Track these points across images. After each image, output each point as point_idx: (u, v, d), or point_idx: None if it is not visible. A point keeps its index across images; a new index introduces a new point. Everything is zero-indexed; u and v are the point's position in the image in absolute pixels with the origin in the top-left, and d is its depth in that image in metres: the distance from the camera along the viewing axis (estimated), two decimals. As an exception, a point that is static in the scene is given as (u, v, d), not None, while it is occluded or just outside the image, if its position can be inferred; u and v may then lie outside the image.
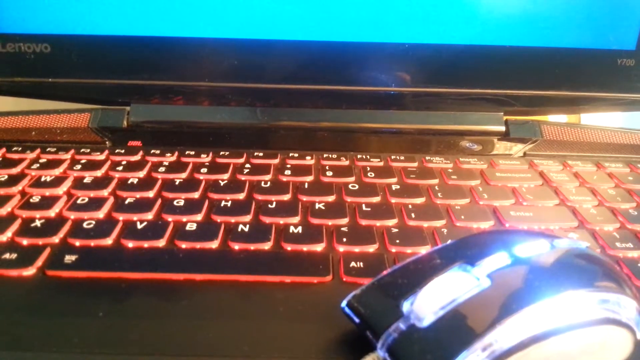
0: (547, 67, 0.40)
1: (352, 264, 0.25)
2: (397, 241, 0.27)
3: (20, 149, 0.36)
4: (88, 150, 0.37)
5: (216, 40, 0.39)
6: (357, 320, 0.20)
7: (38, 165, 0.34)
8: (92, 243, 0.26)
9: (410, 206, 0.31)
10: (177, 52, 0.40)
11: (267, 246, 0.27)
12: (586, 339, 0.18)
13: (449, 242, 0.22)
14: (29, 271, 0.24)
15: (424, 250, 0.27)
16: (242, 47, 0.39)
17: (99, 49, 0.39)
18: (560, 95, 0.41)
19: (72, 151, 0.36)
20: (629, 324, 0.18)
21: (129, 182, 0.32)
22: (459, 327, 0.18)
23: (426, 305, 0.18)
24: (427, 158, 0.37)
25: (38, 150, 0.36)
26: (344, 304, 0.21)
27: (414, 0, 0.38)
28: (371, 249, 0.27)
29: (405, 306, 0.19)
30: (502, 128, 0.41)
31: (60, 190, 0.31)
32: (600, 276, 0.19)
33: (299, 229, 0.28)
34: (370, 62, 0.40)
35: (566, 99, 0.41)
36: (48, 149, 0.36)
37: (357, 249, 0.27)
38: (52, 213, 0.29)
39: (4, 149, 0.36)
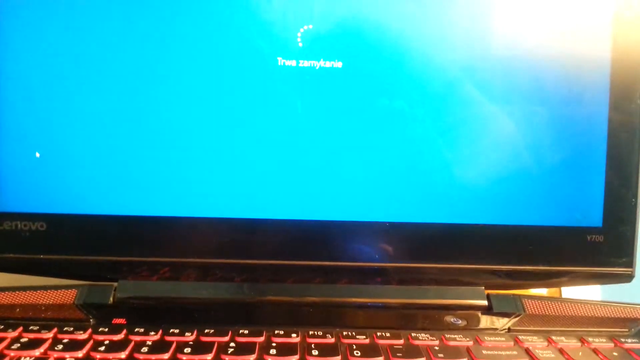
0: (522, 243, 0.42)
1: None
2: None
3: (2, 327, 0.36)
4: (72, 328, 0.36)
5: (204, 219, 0.41)
6: None
7: (19, 345, 0.34)
8: None
9: (397, 388, 0.30)
10: (167, 230, 0.41)
11: None
12: None
13: None
14: None
15: None
16: (229, 226, 0.41)
17: (91, 227, 0.41)
18: (537, 270, 0.42)
19: (55, 329, 0.36)
20: None
21: (111, 363, 0.32)
22: None
23: None
24: (413, 335, 0.37)
25: (20, 329, 0.36)
26: None
27: (392, 184, 0.41)
28: None
29: None
30: (485, 302, 0.42)
31: (39, 373, 0.31)
32: None
33: (284, 415, 0.27)
34: (354, 240, 0.42)
35: (543, 273, 0.42)
36: (30, 327, 0.36)
37: None
38: (28, 399, 0.28)
39: (-15, 328, 0.36)
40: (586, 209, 0.42)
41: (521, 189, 0.42)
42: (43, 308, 0.39)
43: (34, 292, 0.40)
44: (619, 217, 0.42)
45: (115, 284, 0.41)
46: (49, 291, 0.41)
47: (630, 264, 0.41)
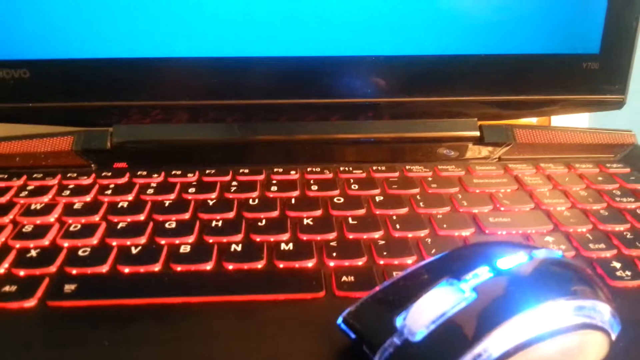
0: (517, 73, 0.42)
1: (343, 278, 0.26)
2: (384, 253, 0.28)
3: (5, 176, 0.37)
4: (75, 174, 0.37)
5: (194, 59, 0.40)
6: (352, 336, 0.21)
7: (26, 192, 0.35)
8: (89, 271, 0.27)
9: (394, 217, 0.32)
10: (156, 72, 0.40)
11: (260, 265, 0.28)
12: (566, 344, 0.19)
13: (434, 257, 0.23)
14: (30, 303, 0.25)
15: (410, 261, 0.28)
16: (220, 65, 0.40)
17: (78, 72, 0.40)
18: (530, 99, 0.42)
19: (59, 176, 0.37)
20: (604, 327, 0.20)
21: (119, 205, 0.33)
22: (449, 340, 0.19)
23: (418, 320, 0.20)
24: (407, 167, 0.38)
25: (24, 177, 0.37)
26: (339, 320, 0.22)
27: (386, 15, 0.39)
28: (360, 262, 0.28)
29: (399, 321, 0.20)
30: (477, 133, 0.43)
31: (52, 217, 0.32)
32: (576, 283, 0.21)
33: (290, 245, 0.29)
34: (346, 75, 0.41)
35: (536, 102, 0.43)
36: (34, 175, 0.37)
37: (346, 263, 0.28)
38: (46, 242, 0.29)
39: (-11, 177, 0.37)
40: (584, 35, 0.41)
41: (517, 16, 0.40)
42: (43, 156, 0.40)
43: (31, 141, 0.40)
44: (617, 43, 0.41)
45: (111, 129, 0.41)
46: (45, 139, 0.41)
47: (623, 90, 0.41)
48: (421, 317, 0.20)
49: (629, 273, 0.27)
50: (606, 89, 0.42)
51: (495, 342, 0.18)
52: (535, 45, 0.41)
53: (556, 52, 0.41)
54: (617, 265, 0.28)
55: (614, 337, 0.21)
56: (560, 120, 0.52)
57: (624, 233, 0.31)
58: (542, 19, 0.40)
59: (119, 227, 0.31)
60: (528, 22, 0.40)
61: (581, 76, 0.42)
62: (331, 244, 0.29)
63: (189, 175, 0.37)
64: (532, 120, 0.52)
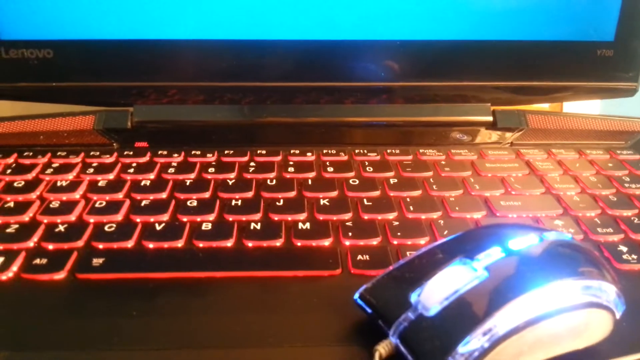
0: (531, 59, 0.42)
1: (359, 257, 0.28)
2: (399, 234, 0.29)
3: (31, 153, 0.38)
4: (97, 153, 0.38)
5: (212, 41, 0.41)
6: (369, 310, 0.22)
7: (52, 170, 0.36)
8: (115, 245, 0.28)
9: (408, 199, 0.33)
10: (175, 53, 0.41)
11: (278, 243, 0.29)
12: (573, 321, 0.20)
13: (448, 237, 0.24)
14: (60, 275, 0.26)
15: (423, 241, 0.29)
16: (237, 48, 0.41)
17: (100, 53, 0.41)
18: (544, 85, 0.43)
19: (82, 154, 0.38)
20: (609, 306, 0.21)
21: (142, 184, 0.34)
22: (462, 315, 0.20)
23: (432, 297, 0.21)
24: (421, 151, 0.39)
25: (49, 155, 0.38)
26: (356, 296, 0.23)
27: (401, 0, 0.40)
28: (375, 242, 0.29)
29: (413, 297, 0.21)
30: (490, 118, 0.44)
31: (77, 194, 0.33)
32: (583, 264, 0.22)
33: (307, 225, 0.30)
34: (361, 59, 0.42)
35: (549, 89, 0.43)
36: (58, 153, 0.38)
37: (362, 243, 0.29)
38: (72, 217, 0.31)
39: (15, 155, 0.38)
40: (599, 23, 0.42)
41: (533, 2, 0.40)
42: (65, 135, 0.41)
43: (54, 119, 0.42)
44: (632, 31, 0.41)
45: (131, 108, 0.42)
46: (67, 117, 0.42)
47: (636, 78, 0.42)
48: (435, 293, 0.21)
49: (634, 257, 0.28)
50: (619, 77, 0.42)
51: (505, 318, 0.19)
52: (550, 32, 0.42)
53: (571, 39, 0.42)
54: (624, 249, 0.29)
55: (618, 316, 0.22)
56: (572, 106, 0.52)
57: (632, 218, 0.32)
58: (558, 6, 0.41)
59: (142, 204, 0.32)
60: (544, 9, 0.41)
61: (595, 63, 0.42)
62: (347, 224, 0.30)
63: (208, 155, 0.38)
64: (545, 106, 0.52)
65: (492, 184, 0.35)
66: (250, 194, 0.33)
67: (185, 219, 0.31)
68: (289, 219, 0.31)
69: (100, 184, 0.34)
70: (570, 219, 0.31)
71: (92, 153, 0.38)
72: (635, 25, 0.41)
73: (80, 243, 0.28)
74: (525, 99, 0.45)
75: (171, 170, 0.36)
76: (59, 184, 0.34)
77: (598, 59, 0.42)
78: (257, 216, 0.31)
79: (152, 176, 0.35)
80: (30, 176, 0.35)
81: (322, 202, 0.32)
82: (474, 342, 0.19)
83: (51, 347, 0.22)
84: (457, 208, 0.32)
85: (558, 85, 0.43)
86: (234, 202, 0.32)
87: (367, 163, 0.37)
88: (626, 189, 0.35)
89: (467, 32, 0.41)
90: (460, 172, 0.36)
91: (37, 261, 0.27)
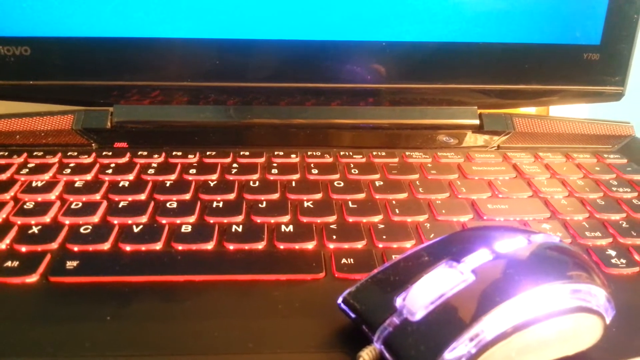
0: (518, 62, 0.42)
1: (343, 260, 0.27)
2: (384, 237, 0.29)
3: (6, 153, 0.37)
4: (75, 153, 0.37)
5: (196, 40, 0.40)
6: (352, 315, 0.22)
7: (27, 170, 0.35)
8: (91, 248, 0.27)
9: (394, 202, 0.32)
10: (157, 52, 0.40)
11: (260, 245, 0.28)
12: (562, 326, 0.20)
13: (434, 240, 0.23)
14: (32, 278, 0.25)
15: (409, 244, 0.28)
16: (221, 47, 0.40)
17: (79, 51, 0.40)
18: (530, 89, 0.43)
19: (59, 154, 0.37)
20: (599, 310, 0.20)
21: (120, 185, 0.33)
22: (448, 320, 0.19)
23: (418, 300, 0.20)
24: (407, 153, 0.39)
25: (25, 155, 0.37)
26: (339, 300, 0.22)
27: (387, 0, 0.39)
28: (359, 245, 0.28)
29: (398, 301, 0.20)
30: (477, 121, 0.43)
31: (53, 195, 0.32)
32: (572, 267, 0.21)
33: (290, 227, 0.29)
34: (348, 60, 0.41)
35: (536, 92, 0.43)
36: (35, 153, 0.37)
37: (346, 246, 0.28)
38: (47, 219, 0.30)
39: (-11, 154, 0.37)
40: (586, 26, 0.41)
41: (520, 5, 0.40)
42: (42, 134, 0.40)
43: (31, 119, 0.40)
44: (618, 35, 0.41)
45: (111, 108, 0.41)
46: (45, 117, 0.41)
47: (622, 82, 0.42)
48: (420, 297, 0.20)
49: (623, 261, 0.28)
50: (606, 81, 0.42)
51: (493, 322, 0.19)
52: (536, 35, 0.41)
53: (557, 42, 0.42)
54: (613, 253, 0.28)
55: (608, 321, 0.21)
56: (558, 110, 0.52)
57: (620, 222, 0.31)
58: (544, 9, 0.41)
59: (120, 205, 0.31)
60: (530, 11, 0.40)
61: (581, 67, 0.42)
62: (331, 226, 0.30)
63: (190, 156, 0.37)
64: (531, 110, 0.52)
65: (478, 187, 0.35)
66: (232, 196, 0.32)
67: (164, 221, 0.30)
68: (272, 221, 0.30)
69: (77, 184, 0.33)
70: (558, 222, 0.31)
71: (69, 153, 0.37)
72: (621, 29, 0.41)
73: (54, 245, 0.27)
74: (512, 102, 0.44)
75: (151, 171, 0.35)
76: (34, 184, 0.33)
77: (584, 62, 0.42)
78: (239, 218, 0.30)
79: (131, 177, 0.34)
80: (4, 176, 0.34)
81: (306, 204, 0.32)
82: (461, 347, 0.19)
83: (21, 353, 0.21)
84: (443, 211, 0.32)
85: (545, 88, 0.43)
86: (215, 204, 0.31)
87: (352, 165, 0.37)
88: (614, 193, 0.34)
89: (454, 35, 0.41)
90: (447, 175, 0.36)
91: (9, 264, 0.26)
